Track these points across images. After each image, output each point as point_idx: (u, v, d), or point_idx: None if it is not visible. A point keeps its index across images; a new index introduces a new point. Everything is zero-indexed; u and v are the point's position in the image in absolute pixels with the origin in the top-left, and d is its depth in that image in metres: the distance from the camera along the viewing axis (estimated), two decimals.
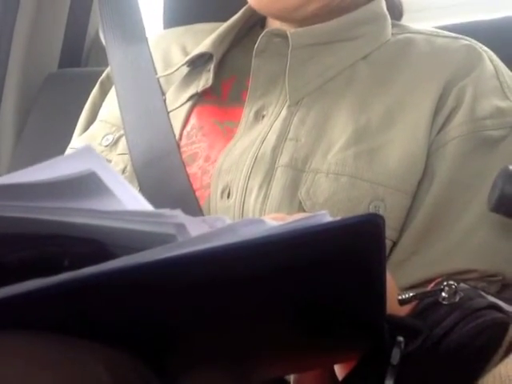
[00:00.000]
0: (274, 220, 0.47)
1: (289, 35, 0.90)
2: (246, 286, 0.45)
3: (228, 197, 0.85)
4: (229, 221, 0.47)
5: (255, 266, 0.43)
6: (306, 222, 0.44)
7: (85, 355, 0.42)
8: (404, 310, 0.58)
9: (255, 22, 1.02)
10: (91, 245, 0.46)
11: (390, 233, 0.82)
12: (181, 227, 0.44)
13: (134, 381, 0.44)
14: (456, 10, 1.61)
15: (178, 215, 0.44)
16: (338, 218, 0.45)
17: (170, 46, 1.06)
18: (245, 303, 0.46)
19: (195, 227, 0.45)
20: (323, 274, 0.46)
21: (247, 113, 0.91)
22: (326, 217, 0.45)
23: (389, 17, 0.97)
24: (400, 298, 0.58)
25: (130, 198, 0.47)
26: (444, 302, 0.57)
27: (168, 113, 0.95)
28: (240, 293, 0.45)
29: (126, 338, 0.45)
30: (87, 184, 0.44)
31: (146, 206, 0.51)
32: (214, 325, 0.48)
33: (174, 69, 0.99)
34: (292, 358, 0.59)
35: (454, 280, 0.57)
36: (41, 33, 1.61)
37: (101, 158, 0.49)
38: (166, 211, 0.45)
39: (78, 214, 0.44)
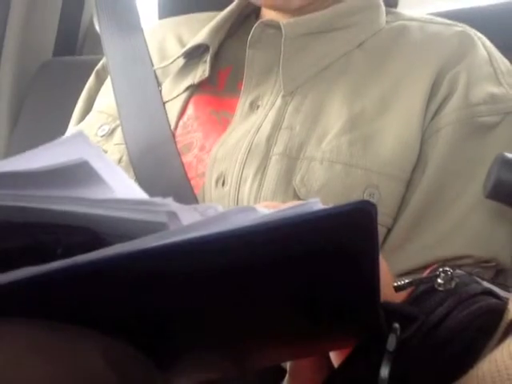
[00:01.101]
0: (267, 208, 0.47)
1: (282, 25, 0.91)
2: (236, 274, 0.44)
3: (223, 185, 0.85)
4: (221, 209, 0.47)
5: (246, 254, 0.43)
6: (297, 209, 0.43)
7: (82, 343, 0.42)
8: (399, 297, 0.58)
9: (250, 12, 1.02)
10: (85, 233, 0.45)
11: (384, 219, 0.82)
12: (172, 215, 0.44)
13: (133, 369, 0.44)
14: None
15: (170, 203, 0.44)
16: (331, 205, 0.45)
17: (165, 37, 1.06)
18: (236, 291, 0.46)
19: (187, 215, 0.45)
20: (314, 261, 0.45)
21: (242, 103, 0.91)
22: (318, 204, 0.44)
23: (383, 4, 0.97)
24: (396, 284, 0.58)
25: (122, 186, 0.47)
26: (440, 289, 0.57)
27: (164, 103, 0.95)
28: (231, 281, 0.45)
29: (122, 326, 0.45)
30: (79, 173, 0.44)
31: (139, 193, 0.51)
32: (207, 313, 0.47)
33: (171, 61, 0.99)
34: (287, 346, 0.59)
35: (450, 266, 0.57)
36: (35, 21, 1.60)
37: (93, 145, 0.49)
38: (158, 199, 0.45)
39: (71, 202, 0.44)
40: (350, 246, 0.45)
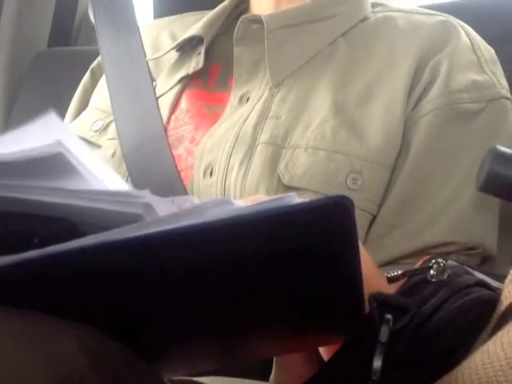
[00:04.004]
0: (251, 201, 0.47)
1: (263, 19, 0.91)
2: (212, 268, 0.44)
3: (210, 175, 0.85)
4: (197, 201, 0.47)
5: (220, 246, 0.43)
6: (273, 203, 0.43)
7: (59, 332, 0.42)
8: (391, 288, 0.58)
9: (243, 10, 1.03)
10: (61, 223, 0.45)
11: (369, 205, 0.83)
12: (148, 207, 0.44)
13: (114, 360, 0.44)
14: None
15: (145, 195, 0.44)
16: (308, 199, 0.44)
17: (159, 33, 1.07)
18: (214, 285, 0.46)
19: (163, 208, 0.45)
20: (291, 255, 0.45)
21: (233, 99, 0.92)
22: (295, 199, 0.44)
23: None
24: (388, 275, 0.58)
25: (98, 174, 0.47)
26: (432, 280, 0.57)
27: (157, 98, 0.96)
28: (207, 274, 0.45)
29: (102, 317, 0.45)
30: (53, 164, 0.44)
31: (114, 180, 0.51)
32: (187, 306, 0.47)
33: (163, 52, 0.99)
34: (274, 340, 0.59)
35: (441, 257, 0.57)
36: (30, 11, 1.60)
37: (68, 131, 0.49)
38: (133, 191, 0.45)
39: (47, 192, 0.44)
40: (327, 240, 0.45)
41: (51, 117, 0.48)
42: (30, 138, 0.46)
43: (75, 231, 0.45)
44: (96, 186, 0.46)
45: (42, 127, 0.47)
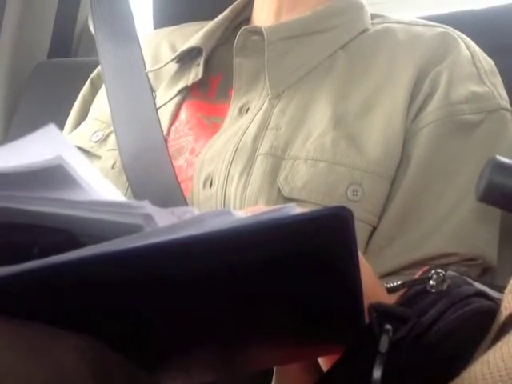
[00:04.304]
0: (251, 212, 0.47)
1: (263, 30, 0.91)
2: (211, 278, 0.44)
3: (210, 186, 0.85)
4: (197, 212, 0.47)
5: (220, 257, 0.43)
6: (272, 214, 0.43)
7: (60, 343, 0.42)
8: (391, 299, 0.58)
9: (243, 21, 1.03)
10: (61, 234, 0.45)
11: (369, 217, 0.83)
12: (148, 218, 0.44)
13: (114, 371, 0.44)
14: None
15: (146, 206, 0.44)
16: (307, 210, 0.44)
17: (159, 44, 1.07)
18: (214, 295, 0.46)
19: (164, 219, 0.45)
20: (290, 266, 0.45)
21: (232, 109, 0.92)
22: (294, 209, 0.44)
23: (365, 5, 0.98)
24: (388, 286, 0.58)
25: (97, 186, 0.47)
26: (432, 290, 0.57)
27: (157, 109, 0.96)
28: (207, 285, 0.45)
29: (101, 327, 0.45)
30: (54, 175, 0.44)
31: (113, 193, 0.51)
32: (185, 316, 0.47)
33: (163, 64, 1.00)
34: (274, 351, 0.58)
35: (440, 267, 0.57)
36: (30, 22, 1.60)
37: (67, 141, 0.49)
38: (134, 202, 0.45)
39: (47, 203, 0.44)
40: (327, 251, 0.45)
41: (51, 128, 0.48)
42: (29, 150, 0.46)
43: (75, 242, 0.45)
44: (96, 197, 0.47)
45: (41, 139, 0.47)
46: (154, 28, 1.34)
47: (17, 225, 0.45)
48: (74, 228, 0.46)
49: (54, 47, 1.66)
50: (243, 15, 1.02)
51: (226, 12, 1.03)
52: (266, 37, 0.91)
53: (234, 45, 0.94)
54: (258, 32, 0.93)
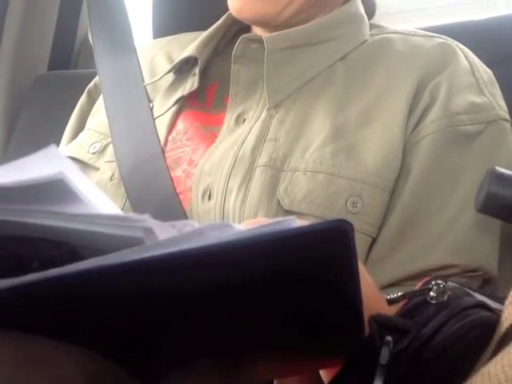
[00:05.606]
0: (251, 224, 0.47)
1: (264, 40, 0.91)
2: (212, 291, 0.44)
3: (209, 199, 0.85)
4: (197, 226, 0.47)
5: (220, 269, 0.43)
6: (273, 227, 0.43)
7: (60, 357, 0.42)
8: (391, 310, 0.58)
9: (239, 30, 1.03)
10: (62, 247, 0.45)
11: (368, 229, 0.83)
12: (149, 231, 0.44)
13: (112, 383, 0.44)
14: (434, 11, 1.62)
15: (146, 219, 0.44)
16: (308, 223, 0.44)
17: (155, 56, 1.07)
18: (215, 307, 0.46)
19: (164, 232, 0.45)
20: (290, 279, 0.45)
21: (229, 118, 0.92)
22: (294, 222, 0.44)
23: (366, 17, 0.98)
24: (388, 297, 0.58)
25: (97, 202, 0.47)
26: (432, 302, 0.57)
27: (154, 120, 0.96)
28: (208, 297, 0.45)
29: (101, 340, 0.45)
30: (55, 190, 0.44)
31: (113, 210, 0.51)
32: (185, 329, 0.47)
33: (160, 76, 1.00)
34: (273, 364, 0.58)
35: (441, 279, 0.57)
36: (30, 35, 1.61)
37: (67, 159, 0.49)
38: (134, 215, 0.45)
39: (48, 216, 0.44)
40: (327, 264, 0.45)
41: (51, 149, 0.48)
42: (30, 168, 0.46)
43: (76, 255, 0.45)
44: (96, 211, 0.47)
45: (42, 159, 0.47)
46: (154, 38, 1.34)
47: (18, 237, 0.45)
48: (74, 241, 0.46)
49: (54, 59, 1.66)
50: (239, 23, 1.01)
51: (220, 20, 1.03)
52: (266, 46, 0.91)
53: (233, 53, 0.94)
54: (258, 40, 0.93)
